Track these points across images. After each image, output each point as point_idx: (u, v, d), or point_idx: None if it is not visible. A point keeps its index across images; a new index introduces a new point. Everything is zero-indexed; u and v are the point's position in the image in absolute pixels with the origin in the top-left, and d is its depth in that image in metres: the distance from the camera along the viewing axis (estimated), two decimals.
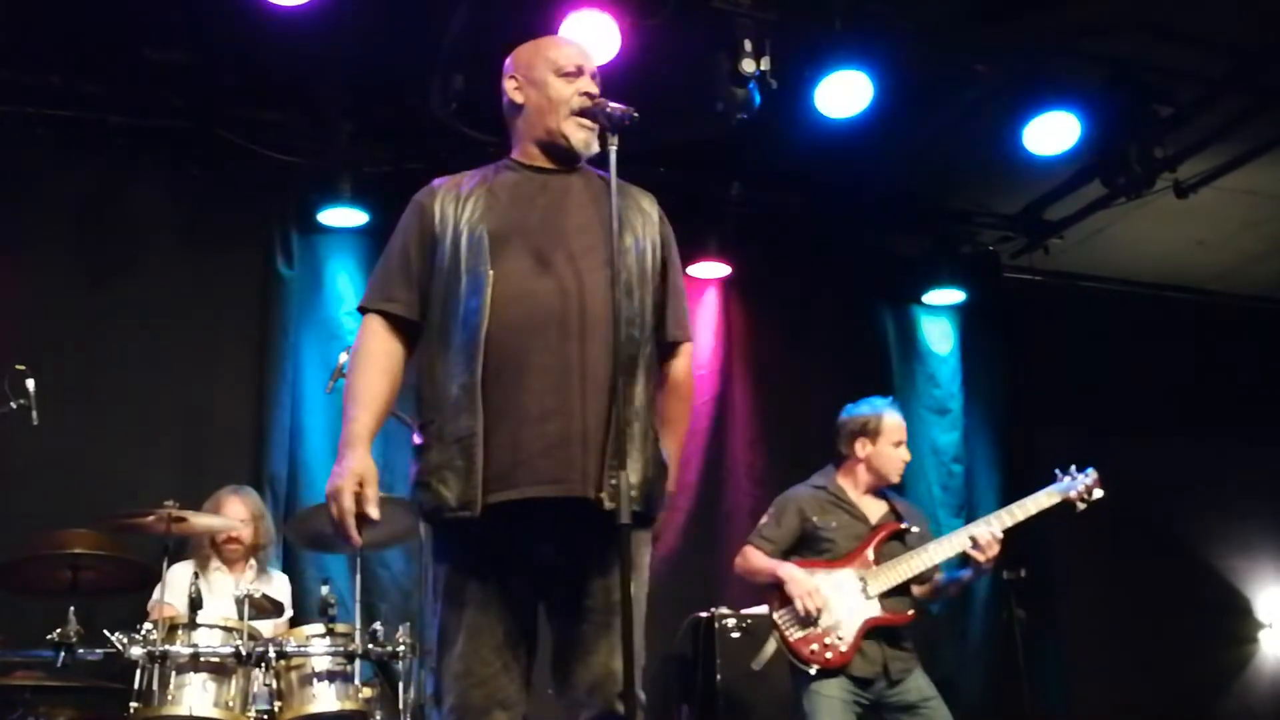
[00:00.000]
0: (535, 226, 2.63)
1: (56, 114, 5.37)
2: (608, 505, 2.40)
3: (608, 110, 2.60)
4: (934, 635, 4.36)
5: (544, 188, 2.71)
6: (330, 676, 4.01)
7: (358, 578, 4.28)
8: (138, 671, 3.78)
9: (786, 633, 4.18)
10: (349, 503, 2.45)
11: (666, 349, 2.75)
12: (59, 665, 3.87)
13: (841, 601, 4.17)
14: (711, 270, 6.38)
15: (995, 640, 6.32)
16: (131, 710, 3.74)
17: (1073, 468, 4.37)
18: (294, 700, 3.97)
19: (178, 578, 4.25)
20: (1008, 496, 4.71)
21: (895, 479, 4.42)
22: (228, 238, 5.74)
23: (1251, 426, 7.69)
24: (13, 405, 4.19)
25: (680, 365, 2.79)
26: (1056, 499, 4.32)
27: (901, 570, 4.21)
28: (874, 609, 4.16)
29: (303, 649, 4.01)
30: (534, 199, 2.68)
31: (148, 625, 3.85)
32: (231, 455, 5.44)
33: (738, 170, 6.18)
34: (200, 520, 4.38)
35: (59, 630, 3.87)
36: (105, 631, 3.83)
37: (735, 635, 4.90)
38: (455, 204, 2.67)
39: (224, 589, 4.53)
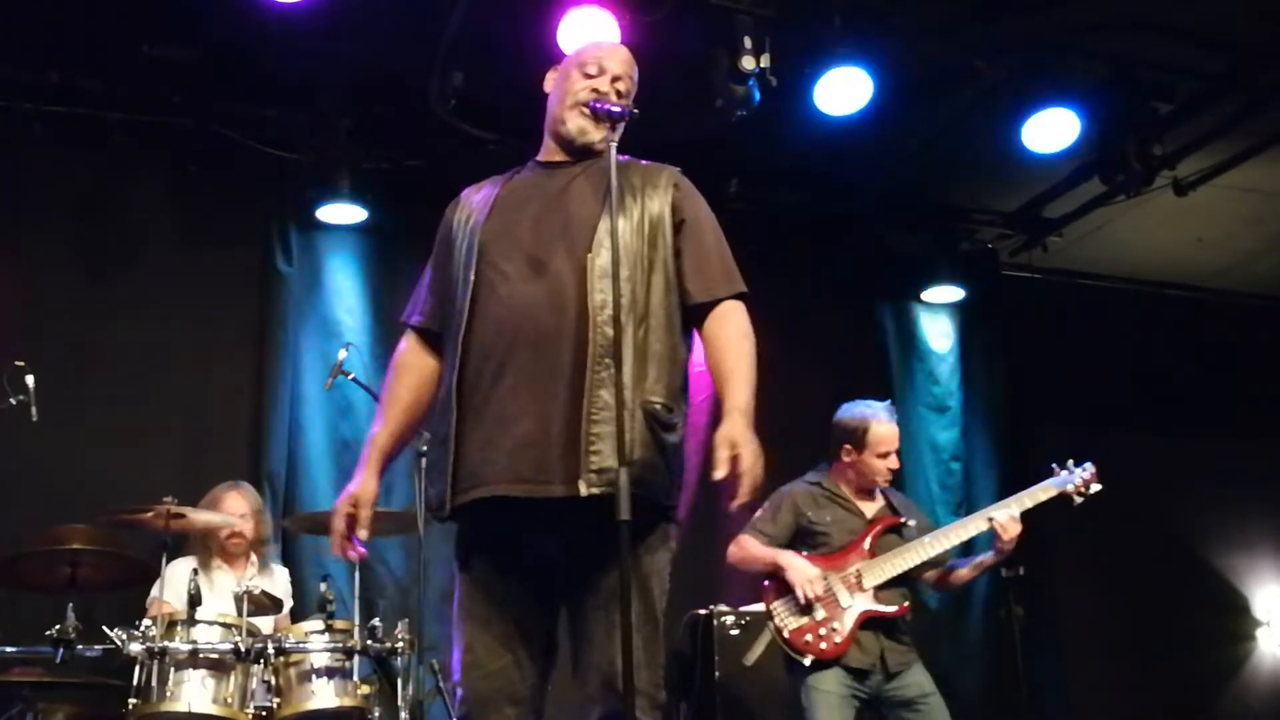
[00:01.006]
0: (525, 227, 2.64)
1: (55, 110, 5.37)
2: (585, 492, 2.40)
3: (605, 106, 2.62)
4: (932, 633, 4.37)
5: (544, 185, 2.72)
6: (329, 673, 4.01)
7: (356, 574, 4.28)
8: (136, 668, 3.78)
9: (782, 624, 4.19)
10: (339, 524, 2.60)
11: (696, 313, 2.67)
12: (58, 661, 3.87)
13: (837, 593, 4.18)
14: None
15: (993, 638, 6.32)
16: (130, 706, 3.74)
17: (1070, 462, 4.39)
18: (292, 696, 3.97)
19: (177, 574, 4.26)
20: (1006, 494, 4.71)
21: (881, 484, 4.43)
22: (227, 234, 5.73)
23: (1250, 424, 7.69)
24: (12, 401, 4.19)
25: (713, 322, 2.64)
26: (1053, 493, 4.34)
27: (898, 562, 4.22)
28: (869, 601, 4.17)
29: (301, 645, 4.01)
30: (531, 199, 2.70)
31: (146, 621, 3.85)
32: (230, 452, 5.44)
33: (737, 167, 6.17)
34: (199, 517, 4.38)
35: (58, 626, 3.86)
36: (104, 628, 3.83)
37: (733, 633, 4.90)
38: (468, 210, 2.75)
39: (224, 585, 4.53)
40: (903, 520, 4.36)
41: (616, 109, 2.60)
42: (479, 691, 2.51)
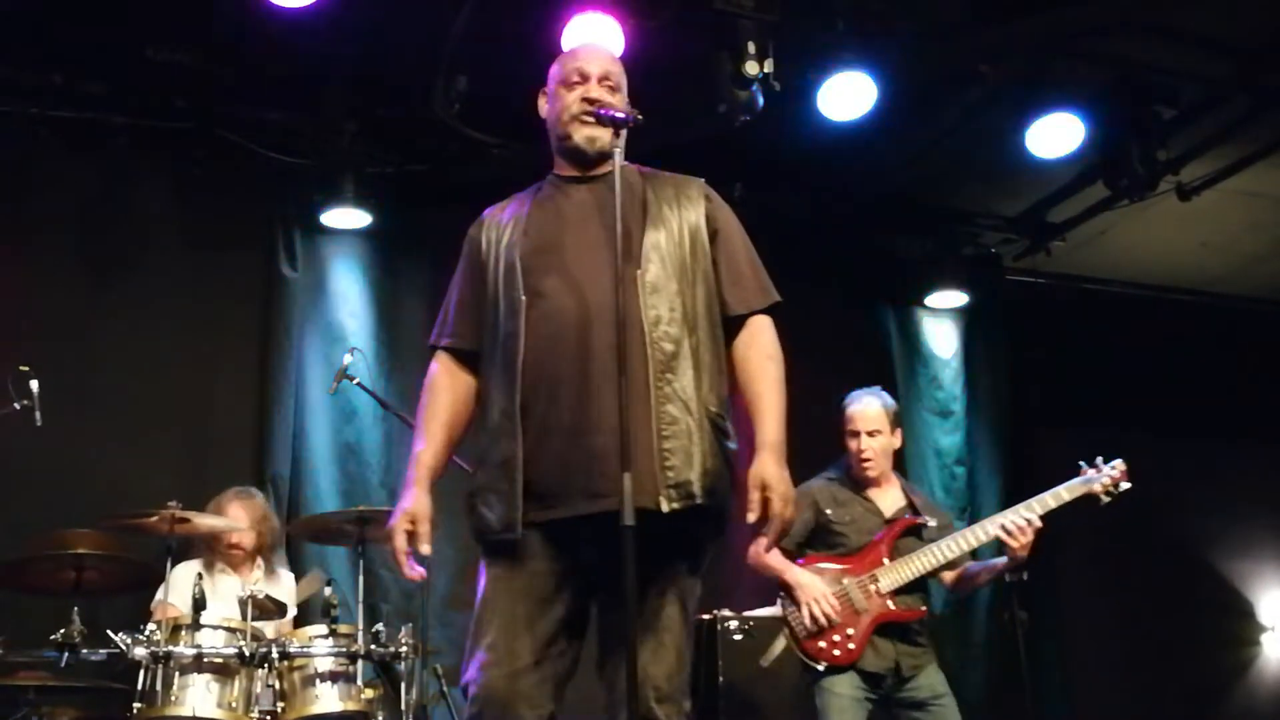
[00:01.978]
0: (564, 244, 2.65)
1: (59, 114, 5.37)
2: (666, 508, 2.44)
3: (610, 113, 2.61)
4: (936, 636, 4.34)
5: (574, 201, 2.73)
6: (333, 677, 4.02)
7: (360, 579, 4.28)
8: (141, 672, 3.78)
9: (796, 629, 4.17)
10: (400, 542, 2.57)
11: (730, 325, 2.71)
12: (62, 665, 3.88)
13: (853, 598, 4.16)
14: None
15: (997, 642, 6.32)
16: (135, 710, 3.75)
17: (1099, 459, 4.22)
18: (297, 701, 3.98)
19: (181, 578, 4.26)
20: (1010, 499, 4.69)
21: (863, 474, 4.33)
22: (230, 238, 5.74)
23: (1255, 428, 7.69)
24: (16, 406, 4.20)
25: (744, 338, 2.70)
26: (1080, 492, 4.18)
27: (915, 566, 4.16)
28: (884, 605, 4.14)
29: (305, 650, 4.01)
30: (563, 214, 2.71)
31: (151, 626, 3.85)
32: (234, 456, 5.44)
33: (741, 172, 6.17)
34: (203, 521, 4.39)
35: (63, 630, 3.87)
36: (109, 632, 3.84)
37: (738, 638, 4.89)
38: (497, 230, 2.75)
39: (229, 590, 4.53)
40: (922, 521, 4.30)
41: (621, 115, 2.59)
42: (498, 691, 2.47)
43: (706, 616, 5.03)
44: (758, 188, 6.30)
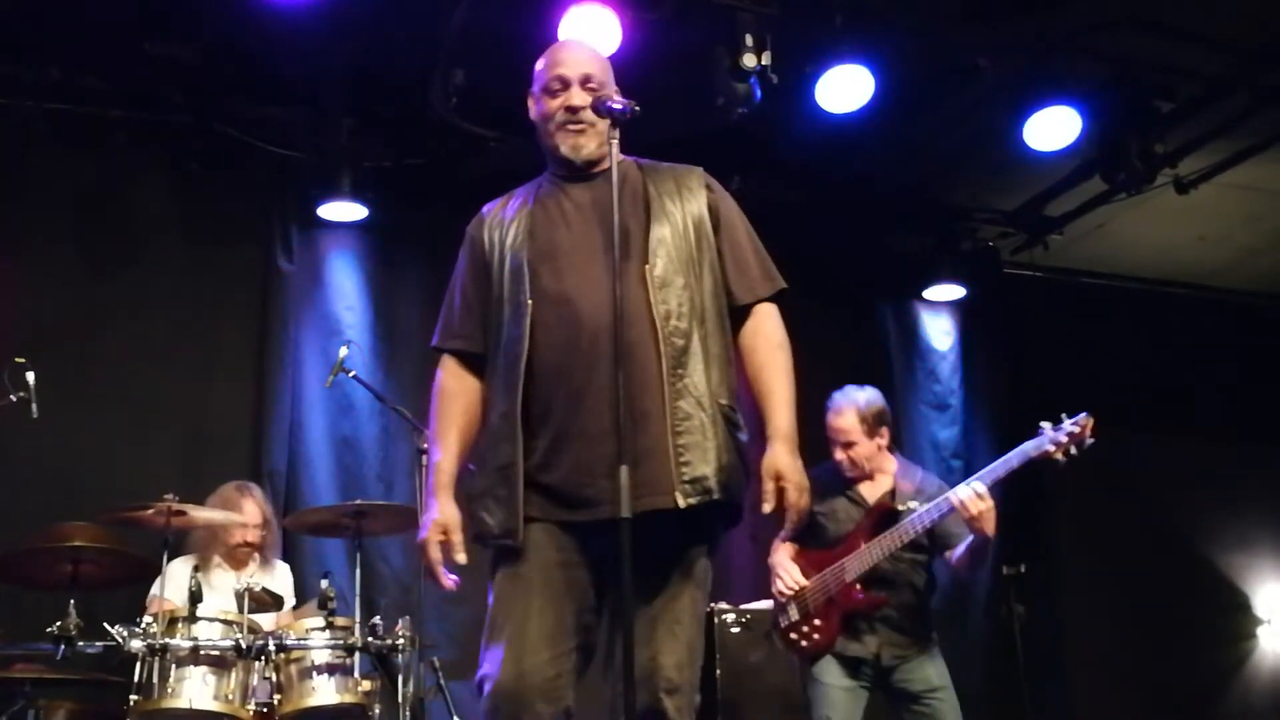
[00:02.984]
0: (569, 245, 2.64)
1: (56, 108, 5.37)
2: (683, 504, 2.44)
3: (608, 104, 2.61)
4: (937, 628, 4.33)
5: (576, 199, 2.71)
6: (330, 670, 4.02)
7: (357, 572, 4.29)
8: (138, 664, 3.79)
9: (779, 621, 4.22)
10: (436, 554, 2.57)
11: (737, 314, 2.70)
12: (59, 658, 3.87)
13: (826, 586, 4.16)
14: None
15: (994, 636, 6.31)
16: (131, 703, 3.75)
17: (1063, 416, 3.98)
18: (293, 693, 3.98)
19: (177, 571, 4.26)
20: (1007, 492, 4.66)
21: (849, 473, 4.30)
22: (228, 232, 5.74)
23: (1252, 422, 7.69)
24: (13, 398, 4.19)
25: (750, 326, 2.69)
26: (1031, 456, 3.96)
27: (874, 553, 4.09)
28: (851, 593, 4.11)
29: (302, 642, 4.02)
30: (567, 213, 2.69)
31: (148, 618, 3.86)
32: (231, 450, 5.45)
33: (738, 165, 6.15)
34: (200, 514, 4.38)
35: (59, 623, 3.86)
36: (105, 625, 3.84)
37: (735, 630, 4.90)
38: (500, 229, 2.73)
39: (225, 584, 4.53)
40: (895, 507, 4.21)
41: (618, 106, 2.57)
42: (514, 687, 2.46)
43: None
44: (755, 181, 6.29)
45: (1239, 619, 7.81)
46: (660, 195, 2.68)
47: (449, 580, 2.59)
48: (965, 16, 5.20)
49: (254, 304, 5.69)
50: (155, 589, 4.26)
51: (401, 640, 4.08)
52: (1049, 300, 7.46)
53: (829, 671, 4.12)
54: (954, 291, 6.97)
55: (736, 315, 2.71)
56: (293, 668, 4.02)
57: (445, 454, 2.66)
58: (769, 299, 2.73)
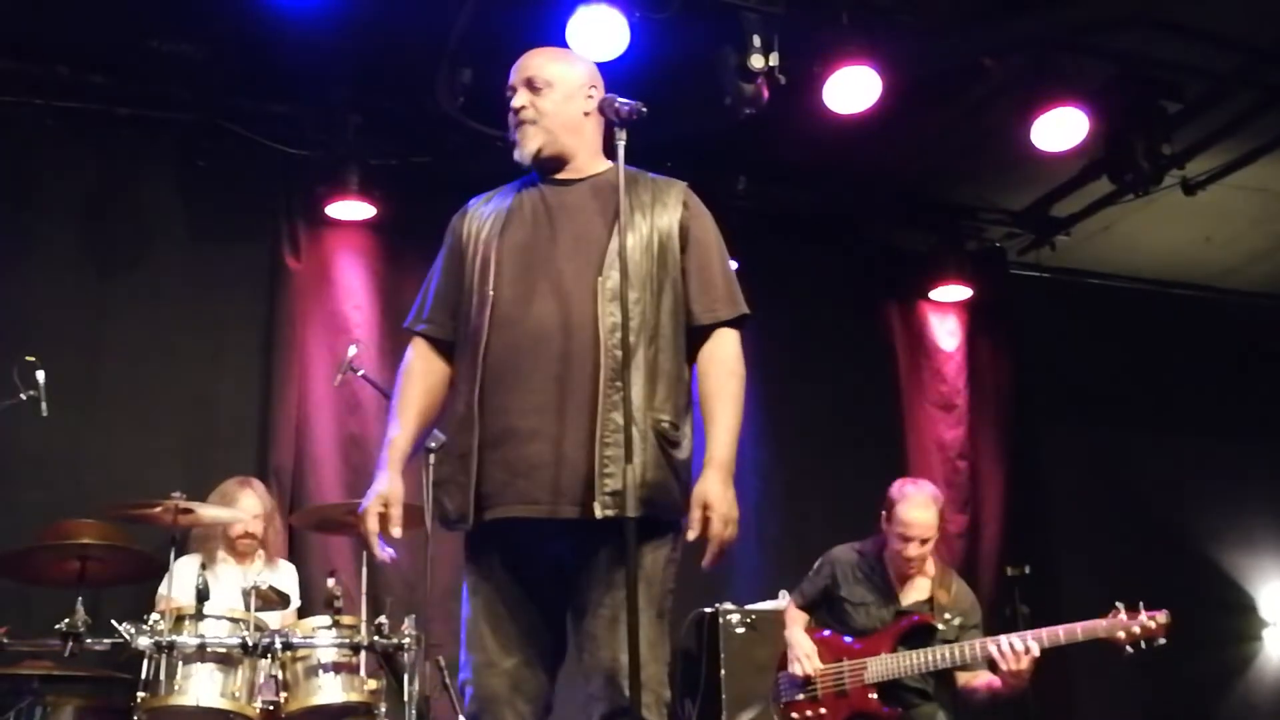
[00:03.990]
0: (539, 245, 2.67)
1: (64, 105, 5.38)
2: (600, 514, 2.47)
3: (616, 105, 2.62)
4: None
5: (554, 201, 2.74)
6: (336, 668, 4.03)
7: (364, 571, 4.29)
8: (145, 661, 3.79)
9: (782, 693, 4.24)
10: (374, 524, 2.61)
11: (696, 335, 2.70)
12: (66, 655, 3.88)
13: (840, 679, 4.14)
14: None
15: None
16: (138, 700, 3.75)
17: (1141, 605, 3.91)
18: (299, 691, 3.99)
19: (185, 569, 4.27)
20: (1012, 493, 4.70)
21: (909, 571, 4.19)
22: (235, 230, 5.74)
23: (1258, 423, 7.68)
24: (22, 396, 4.22)
25: (708, 349, 2.69)
26: (1099, 636, 3.90)
27: (903, 665, 4.05)
28: (866, 695, 4.08)
29: (308, 640, 4.02)
30: (542, 215, 2.72)
31: (155, 615, 3.86)
32: (238, 447, 5.45)
33: (745, 165, 6.17)
34: (207, 511, 4.40)
35: (66, 620, 3.87)
36: (113, 621, 3.85)
37: (739, 630, 4.91)
38: (478, 222, 2.78)
39: (231, 581, 4.54)
40: (931, 621, 4.14)
41: (626, 108, 2.60)
42: (490, 689, 2.55)
43: (708, 610, 5.04)
44: (762, 181, 6.31)
45: (1244, 621, 7.79)
46: (631, 208, 2.66)
47: (384, 552, 2.67)
48: (972, 16, 5.20)
49: (261, 302, 5.69)
50: (163, 588, 4.26)
51: (407, 639, 4.09)
52: (1055, 301, 7.44)
53: None
54: (960, 292, 6.96)
55: (696, 336, 2.70)
56: (299, 665, 4.02)
57: (401, 431, 2.70)
58: (730, 323, 2.71)
